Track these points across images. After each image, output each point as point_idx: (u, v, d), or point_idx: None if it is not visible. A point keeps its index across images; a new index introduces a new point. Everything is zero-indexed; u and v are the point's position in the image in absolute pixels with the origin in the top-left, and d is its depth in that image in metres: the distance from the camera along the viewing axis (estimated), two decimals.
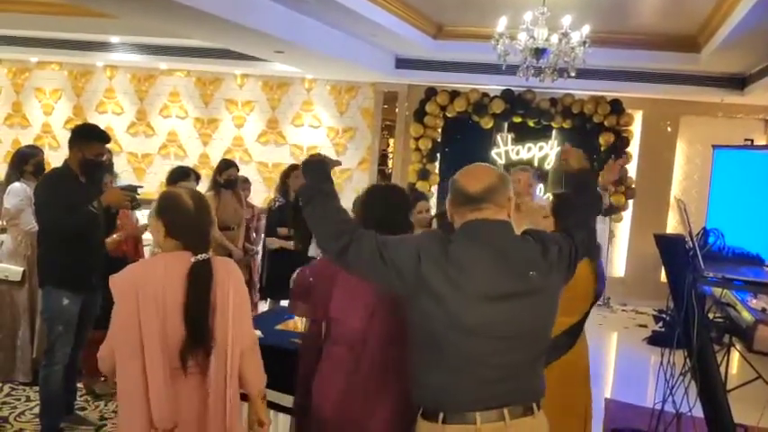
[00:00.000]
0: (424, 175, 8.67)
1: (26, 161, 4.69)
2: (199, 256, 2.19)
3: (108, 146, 3.94)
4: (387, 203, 2.51)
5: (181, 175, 4.92)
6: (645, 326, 7.45)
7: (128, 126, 9.96)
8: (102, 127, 3.98)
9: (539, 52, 5.12)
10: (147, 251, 5.10)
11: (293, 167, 5.54)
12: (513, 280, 1.92)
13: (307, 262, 4.47)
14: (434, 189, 8.77)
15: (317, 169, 2.14)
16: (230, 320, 2.23)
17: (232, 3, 5.36)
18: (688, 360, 2.79)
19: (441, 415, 1.90)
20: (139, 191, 3.98)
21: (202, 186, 5.29)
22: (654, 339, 6.79)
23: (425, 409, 1.96)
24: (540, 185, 4.63)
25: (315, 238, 2.15)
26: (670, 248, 2.71)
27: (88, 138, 3.66)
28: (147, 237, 4.92)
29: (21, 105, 10.36)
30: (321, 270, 2.51)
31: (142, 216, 5.04)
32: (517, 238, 2.01)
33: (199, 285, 2.15)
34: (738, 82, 7.61)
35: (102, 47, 8.82)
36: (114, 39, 8.57)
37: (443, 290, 1.87)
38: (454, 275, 1.87)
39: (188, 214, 2.23)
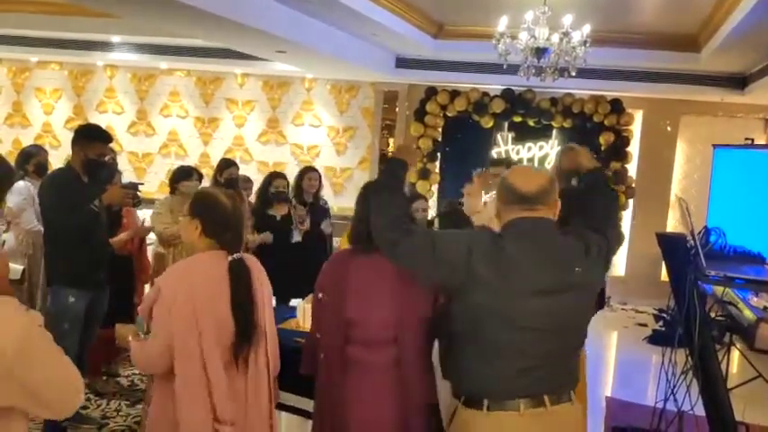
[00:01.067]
0: (424, 174, 8.68)
1: (28, 160, 4.72)
2: (234, 255, 2.25)
3: (111, 146, 3.97)
4: None
5: (183, 174, 4.93)
6: (645, 325, 7.46)
7: (128, 125, 9.96)
8: (103, 126, 4.02)
9: (540, 51, 5.12)
10: (149, 250, 5.12)
11: (307, 169, 5.59)
12: (559, 275, 2.04)
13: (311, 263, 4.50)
14: (435, 188, 8.78)
15: (395, 167, 2.29)
16: (267, 315, 2.34)
17: (234, 2, 5.37)
18: (690, 358, 2.80)
19: (485, 402, 2.01)
20: (140, 188, 4.02)
21: (203, 186, 5.31)
22: (654, 338, 6.80)
23: (468, 398, 2.07)
24: None
25: (373, 226, 2.24)
26: (672, 247, 2.72)
27: (90, 138, 3.70)
28: (150, 236, 4.93)
29: (21, 105, 10.36)
30: (335, 269, 2.52)
31: (142, 215, 5.05)
32: (562, 236, 2.12)
33: (242, 282, 2.22)
34: (739, 81, 7.63)
35: (103, 46, 8.83)
36: (115, 38, 8.58)
37: (493, 283, 1.98)
38: (504, 270, 1.99)
39: (225, 214, 2.27)
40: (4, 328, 1.52)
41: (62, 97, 10.22)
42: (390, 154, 2.73)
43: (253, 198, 6.08)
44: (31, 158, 4.75)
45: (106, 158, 3.87)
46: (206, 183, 5.43)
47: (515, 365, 2.00)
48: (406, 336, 2.35)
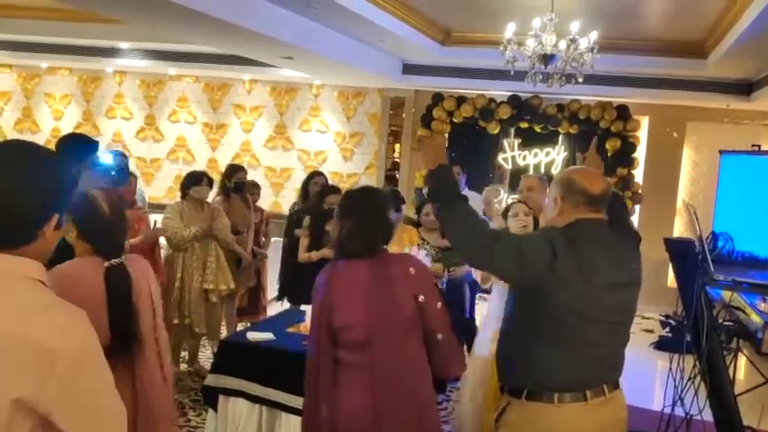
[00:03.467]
0: None
1: None
2: (113, 261, 2.15)
3: (124, 150, 3.95)
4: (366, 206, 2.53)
5: (194, 179, 4.97)
6: (651, 331, 7.46)
7: (136, 131, 10.02)
8: (111, 132, 3.94)
9: (547, 58, 5.15)
10: (162, 254, 5.14)
11: (314, 174, 5.59)
12: (624, 272, 2.20)
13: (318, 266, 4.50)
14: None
15: (445, 175, 2.28)
16: (157, 320, 2.24)
17: (241, 8, 5.42)
18: (698, 363, 2.81)
19: (555, 395, 2.10)
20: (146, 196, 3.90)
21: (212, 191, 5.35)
22: (661, 344, 6.81)
23: (534, 392, 2.13)
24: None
25: (453, 238, 2.26)
26: (680, 252, 2.74)
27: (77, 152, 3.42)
28: (162, 241, 4.96)
29: (31, 110, 10.45)
30: (321, 278, 2.53)
31: (153, 219, 5.09)
32: (619, 235, 2.25)
33: (117, 290, 2.12)
34: (745, 88, 7.63)
35: (112, 53, 8.91)
36: (124, 45, 8.66)
37: (576, 283, 2.07)
38: (585, 270, 2.08)
39: (101, 220, 2.19)
40: (70, 333, 1.30)
41: (71, 103, 10.30)
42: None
43: (259, 203, 6.12)
44: None
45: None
46: (215, 188, 5.46)
47: (588, 358, 2.12)
48: (382, 338, 2.38)
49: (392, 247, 2.83)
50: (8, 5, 7.94)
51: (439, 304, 2.46)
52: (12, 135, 10.45)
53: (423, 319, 2.42)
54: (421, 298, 2.41)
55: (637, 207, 8.44)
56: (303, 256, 4.62)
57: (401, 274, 2.43)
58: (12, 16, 8.15)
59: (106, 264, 2.15)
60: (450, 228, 2.21)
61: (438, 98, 8.64)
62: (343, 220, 2.49)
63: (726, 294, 3.27)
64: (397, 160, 9.48)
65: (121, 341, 2.11)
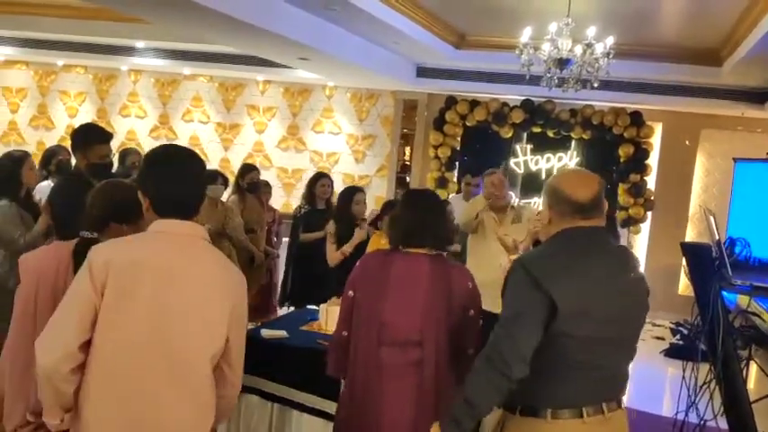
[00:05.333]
0: (442, 182, 8.71)
1: (50, 160, 4.75)
2: (83, 233, 2.27)
3: (137, 148, 3.97)
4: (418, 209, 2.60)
5: (209, 178, 4.98)
6: (662, 338, 7.43)
7: (150, 130, 10.09)
8: (125, 130, 3.94)
9: (562, 63, 5.15)
10: None
11: (319, 175, 5.57)
12: (621, 285, 2.04)
13: (330, 271, 4.49)
14: (452, 197, 8.79)
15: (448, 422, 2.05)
16: None
17: (259, 9, 5.45)
18: (713, 369, 2.80)
19: (548, 412, 1.99)
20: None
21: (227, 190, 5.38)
22: (671, 352, 6.78)
23: (528, 407, 2.03)
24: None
25: (489, 395, 2.05)
26: (696, 257, 2.73)
27: (88, 142, 3.43)
28: None
29: (46, 107, 10.53)
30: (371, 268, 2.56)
31: None
32: (613, 243, 2.14)
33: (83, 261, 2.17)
34: (760, 96, 7.60)
35: (127, 51, 8.98)
36: (139, 43, 8.72)
37: (573, 311, 1.93)
38: (579, 294, 1.94)
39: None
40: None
41: (86, 100, 10.37)
42: None
43: (271, 202, 6.14)
44: (53, 158, 4.77)
45: (109, 159, 3.68)
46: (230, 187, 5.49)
47: (587, 376, 2.01)
48: (430, 338, 2.41)
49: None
50: (26, 3, 8.02)
51: (481, 322, 2.53)
52: (26, 132, 10.53)
53: (464, 332, 2.47)
54: (471, 312, 2.47)
55: (649, 214, 8.41)
56: (334, 256, 4.49)
57: (460, 284, 2.47)
58: (29, 13, 8.22)
59: (75, 241, 2.26)
60: (479, 399, 1.99)
61: (451, 101, 8.65)
62: (413, 214, 2.53)
63: (743, 300, 3.27)
64: (408, 163, 9.50)
65: None
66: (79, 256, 2.14)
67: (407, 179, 9.44)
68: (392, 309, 2.44)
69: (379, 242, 4.07)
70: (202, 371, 1.86)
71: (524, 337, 1.91)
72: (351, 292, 2.54)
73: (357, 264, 2.62)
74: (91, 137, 3.47)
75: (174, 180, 1.94)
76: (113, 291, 1.79)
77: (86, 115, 10.31)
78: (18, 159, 3.84)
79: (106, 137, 3.53)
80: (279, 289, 6.00)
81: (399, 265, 2.49)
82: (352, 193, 4.71)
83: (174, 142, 10.00)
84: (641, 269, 2.29)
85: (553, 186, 2.10)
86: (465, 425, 1.98)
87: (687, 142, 8.60)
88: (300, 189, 9.44)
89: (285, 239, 6.20)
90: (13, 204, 3.68)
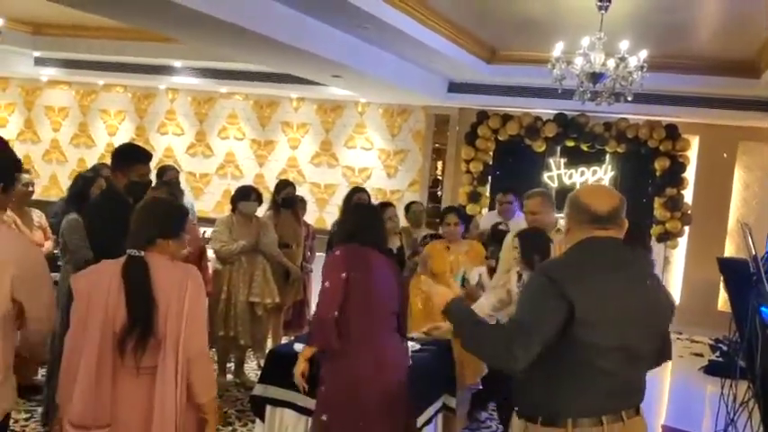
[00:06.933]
0: (474, 197, 8.70)
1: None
2: (132, 252, 2.28)
3: (174, 165, 4.08)
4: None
5: (242, 195, 5.09)
6: (701, 355, 7.28)
7: (187, 147, 10.29)
8: (163, 147, 4.09)
9: (595, 77, 5.13)
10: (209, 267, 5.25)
11: (356, 190, 5.61)
12: (639, 292, 2.10)
13: None
14: (485, 211, 8.78)
15: (457, 309, 2.22)
16: (184, 327, 2.26)
17: (293, 29, 5.56)
18: (751, 386, 2.75)
19: (569, 421, 2.04)
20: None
21: (262, 206, 5.46)
22: (711, 369, 6.63)
23: (549, 417, 2.08)
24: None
25: (483, 358, 2.41)
26: (734, 272, 2.69)
27: (130, 161, 3.55)
28: (210, 254, 5.07)
29: (87, 126, 10.82)
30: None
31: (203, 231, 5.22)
32: (631, 254, 2.16)
33: (132, 278, 2.24)
34: None
35: (165, 70, 9.22)
36: (177, 63, 8.95)
37: (589, 311, 1.99)
38: (597, 302, 2.01)
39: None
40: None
41: (125, 119, 10.63)
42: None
43: (306, 218, 6.22)
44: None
45: (148, 179, 3.82)
46: (265, 203, 5.56)
47: (607, 387, 2.05)
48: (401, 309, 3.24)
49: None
50: (68, 26, 8.30)
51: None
52: (68, 150, 10.83)
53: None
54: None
55: (686, 228, 8.28)
56: None
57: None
58: (71, 35, 8.52)
59: (129, 252, 2.30)
60: (477, 351, 2.18)
61: (483, 116, 8.65)
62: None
63: None
64: (440, 177, 9.51)
65: (133, 324, 2.21)
66: (128, 276, 2.24)
67: (439, 194, 9.46)
68: (382, 286, 3.08)
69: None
70: None
71: (536, 340, 1.98)
72: (343, 275, 3.01)
73: (337, 253, 3.11)
74: (133, 157, 3.59)
75: None
76: None
77: (126, 133, 10.57)
78: (89, 179, 4.22)
79: (147, 157, 3.64)
80: (312, 304, 6.04)
81: (374, 253, 3.13)
82: (353, 192, 4.89)
83: (210, 159, 10.22)
84: (664, 280, 2.27)
85: (573, 197, 2.20)
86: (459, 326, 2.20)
87: (725, 155, 8.45)
88: (333, 204, 9.55)
89: (319, 254, 6.25)
90: (80, 218, 3.86)
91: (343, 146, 9.72)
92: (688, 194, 8.36)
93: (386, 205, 4.88)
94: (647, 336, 2.12)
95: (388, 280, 3.12)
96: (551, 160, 8.66)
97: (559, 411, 2.07)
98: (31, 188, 4.82)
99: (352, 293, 3.02)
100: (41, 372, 4.60)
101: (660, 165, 8.14)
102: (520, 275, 3.48)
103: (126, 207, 3.40)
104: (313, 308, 6.11)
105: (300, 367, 3.13)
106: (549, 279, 2.02)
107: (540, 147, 8.51)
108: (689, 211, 8.23)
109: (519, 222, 4.73)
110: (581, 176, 8.53)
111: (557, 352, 2.03)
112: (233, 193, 5.22)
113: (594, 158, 8.51)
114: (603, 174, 8.45)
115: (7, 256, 2.09)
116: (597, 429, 2.03)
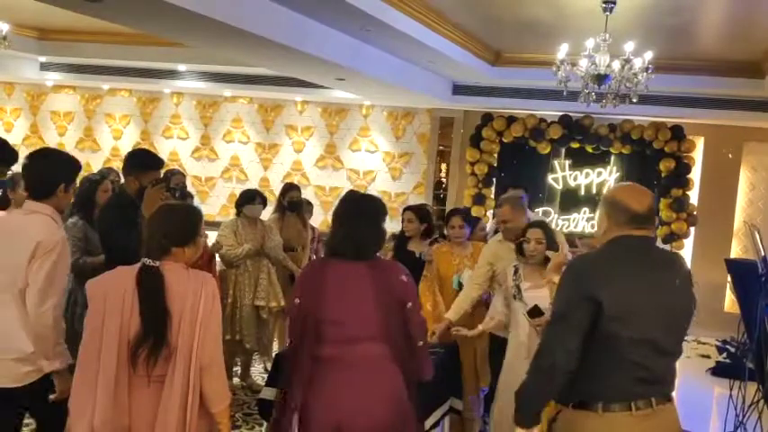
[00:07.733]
0: (479, 199, 8.69)
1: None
2: (147, 261, 2.27)
3: (180, 169, 4.05)
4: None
5: (247, 198, 5.09)
6: (708, 356, 7.26)
7: (192, 150, 10.30)
8: (168, 151, 4.04)
9: (600, 78, 5.12)
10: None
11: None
12: (669, 289, 2.19)
13: None
14: (489, 213, 8.77)
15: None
16: (197, 336, 2.25)
17: (297, 32, 5.56)
18: (760, 387, 2.74)
19: (599, 405, 2.12)
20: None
21: (268, 209, 5.46)
22: (718, 370, 6.61)
23: (583, 402, 2.17)
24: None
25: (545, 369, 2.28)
26: (741, 273, 2.69)
27: (145, 168, 3.56)
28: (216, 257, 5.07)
29: (92, 130, 10.85)
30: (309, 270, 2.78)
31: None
32: (667, 254, 2.30)
33: (146, 287, 2.23)
34: None
35: (170, 74, 9.24)
36: (181, 67, 8.97)
37: (617, 306, 2.08)
38: (623, 289, 2.10)
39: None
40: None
41: (130, 123, 10.66)
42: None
43: (311, 221, 6.21)
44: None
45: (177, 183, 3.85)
46: (270, 206, 5.57)
47: (635, 375, 2.12)
48: (388, 333, 2.56)
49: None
50: (73, 30, 8.34)
51: (422, 313, 2.73)
52: (73, 154, 10.80)
53: (408, 325, 2.61)
54: (409, 305, 2.61)
55: (692, 229, 8.25)
56: None
57: (395, 280, 2.60)
58: (76, 40, 8.56)
59: (143, 261, 2.28)
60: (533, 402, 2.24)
61: (488, 118, 8.64)
62: (337, 226, 2.66)
63: None
64: (445, 180, 9.50)
65: (146, 333, 2.20)
66: (142, 286, 2.24)
67: (444, 196, 9.45)
68: (334, 308, 2.54)
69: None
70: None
71: (570, 333, 2.09)
72: (296, 300, 2.61)
73: (300, 274, 2.86)
74: (147, 162, 3.60)
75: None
76: None
77: (131, 137, 10.60)
78: (95, 182, 4.13)
79: (160, 163, 3.68)
80: None
81: (339, 268, 2.60)
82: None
83: (215, 162, 10.24)
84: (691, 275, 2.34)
85: (611, 196, 2.27)
86: (525, 413, 2.22)
87: (730, 156, 8.43)
88: None
89: None
90: (80, 222, 3.87)
91: (348, 149, 9.73)
92: (693, 195, 8.35)
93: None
94: (673, 331, 2.20)
95: (362, 301, 2.55)
96: (556, 162, 8.65)
97: (591, 397, 2.14)
98: None
99: (308, 323, 2.56)
100: None
101: (665, 166, 8.13)
102: (516, 269, 3.55)
103: (138, 212, 3.45)
104: None
105: None
106: (578, 275, 2.16)
107: (544, 149, 8.50)
108: (694, 213, 8.21)
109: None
110: (586, 178, 8.52)
111: (589, 342, 2.11)
112: (238, 196, 5.23)
113: (599, 160, 8.50)
114: (608, 175, 8.44)
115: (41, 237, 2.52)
116: (626, 414, 2.11)
